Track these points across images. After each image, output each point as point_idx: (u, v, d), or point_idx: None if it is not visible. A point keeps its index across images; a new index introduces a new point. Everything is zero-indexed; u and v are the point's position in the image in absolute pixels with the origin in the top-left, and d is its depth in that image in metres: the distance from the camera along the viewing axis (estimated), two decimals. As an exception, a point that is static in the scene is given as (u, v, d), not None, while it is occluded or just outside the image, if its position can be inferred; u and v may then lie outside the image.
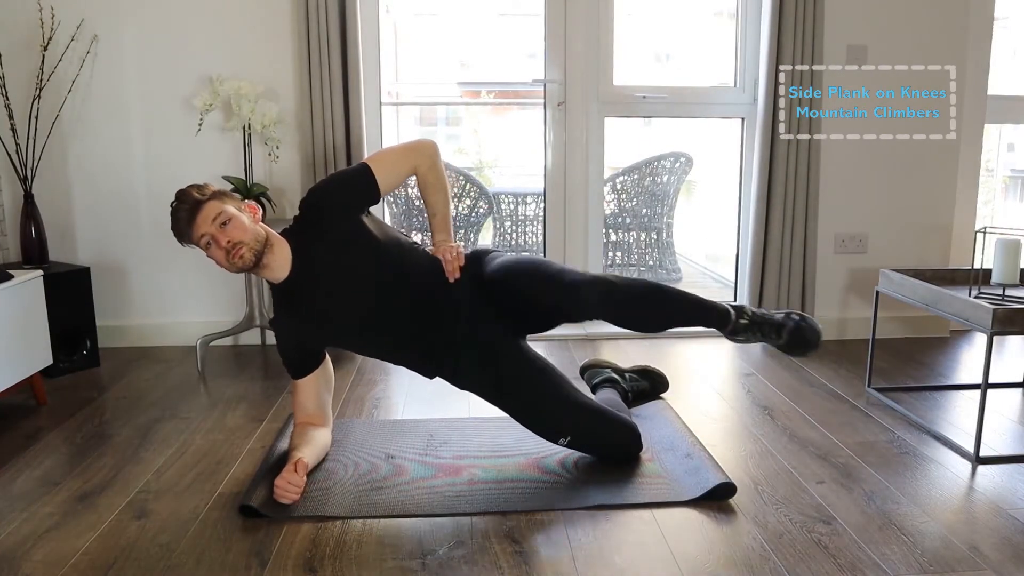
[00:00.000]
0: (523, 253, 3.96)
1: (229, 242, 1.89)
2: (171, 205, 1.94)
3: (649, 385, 2.56)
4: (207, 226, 1.89)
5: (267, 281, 2.05)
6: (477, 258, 2.10)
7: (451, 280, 2.04)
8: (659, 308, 1.91)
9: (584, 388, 2.56)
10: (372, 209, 2.10)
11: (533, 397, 2.02)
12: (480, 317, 2.04)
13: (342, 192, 2.03)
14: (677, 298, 1.94)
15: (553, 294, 1.90)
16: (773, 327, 1.94)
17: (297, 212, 2.06)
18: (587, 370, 2.58)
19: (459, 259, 2.05)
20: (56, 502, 1.90)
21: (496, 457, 2.13)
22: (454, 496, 1.91)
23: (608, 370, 2.53)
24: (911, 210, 3.30)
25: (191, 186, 1.95)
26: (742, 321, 1.94)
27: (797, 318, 1.94)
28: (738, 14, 3.29)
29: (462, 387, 2.11)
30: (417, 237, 3.91)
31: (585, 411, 2.02)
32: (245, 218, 1.94)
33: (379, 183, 2.03)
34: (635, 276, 2.99)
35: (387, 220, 3.52)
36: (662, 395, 2.58)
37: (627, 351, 3.11)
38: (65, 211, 3.11)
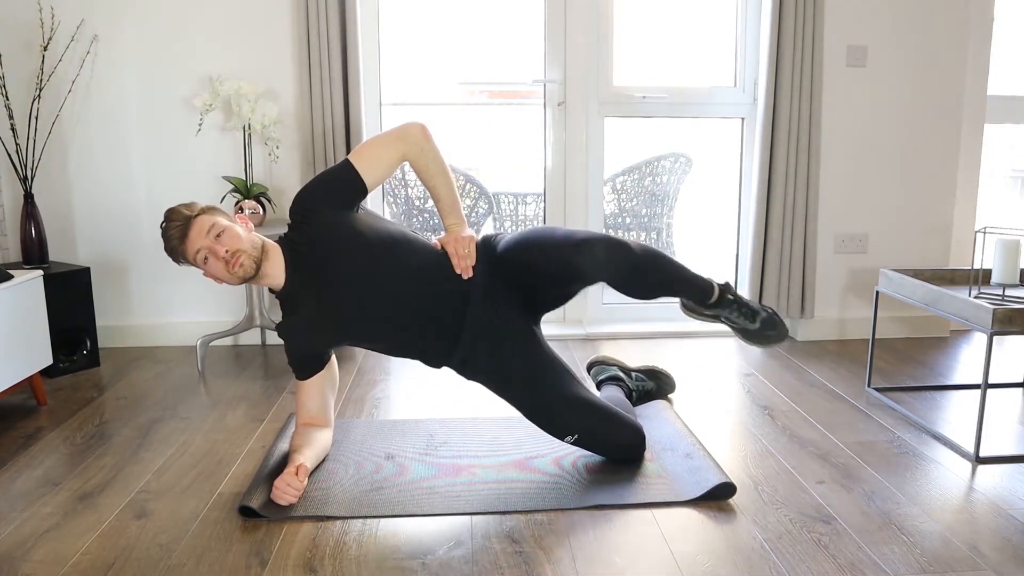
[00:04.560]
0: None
1: (227, 251, 1.87)
2: (161, 226, 1.92)
3: (656, 386, 2.55)
4: (201, 240, 1.88)
5: (269, 289, 2.04)
6: (487, 244, 2.08)
7: (464, 276, 2.00)
8: (660, 271, 1.94)
9: (591, 385, 2.57)
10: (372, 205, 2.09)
11: (542, 393, 2.00)
12: (491, 307, 2.02)
13: (326, 192, 1.99)
14: (674, 265, 1.99)
15: (566, 253, 1.87)
16: (751, 311, 2.08)
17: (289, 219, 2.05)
18: (593, 366, 2.58)
19: (470, 256, 2.01)
20: (56, 502, 1.90)
21: (496, 457, 2.13)
22: (454, 496, 1.91)
23: (614, 368, 2.53)
24: (911, 210, 3.30)
25: (179, 205, 1.94)
26: (728, 296, 2.05)
27: (771, 310, 2.10)
28: (738, 14, 3.29)
29: (469, 378, 2.09)
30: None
31: (593, 410, 2.02)
32: (238, 228, 1.94)
33: (364, 177, 1.99)
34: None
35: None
36: (669, 396, 2.58)
37: (627, 350, 3.11)
38: (65, 211, 3.11)
